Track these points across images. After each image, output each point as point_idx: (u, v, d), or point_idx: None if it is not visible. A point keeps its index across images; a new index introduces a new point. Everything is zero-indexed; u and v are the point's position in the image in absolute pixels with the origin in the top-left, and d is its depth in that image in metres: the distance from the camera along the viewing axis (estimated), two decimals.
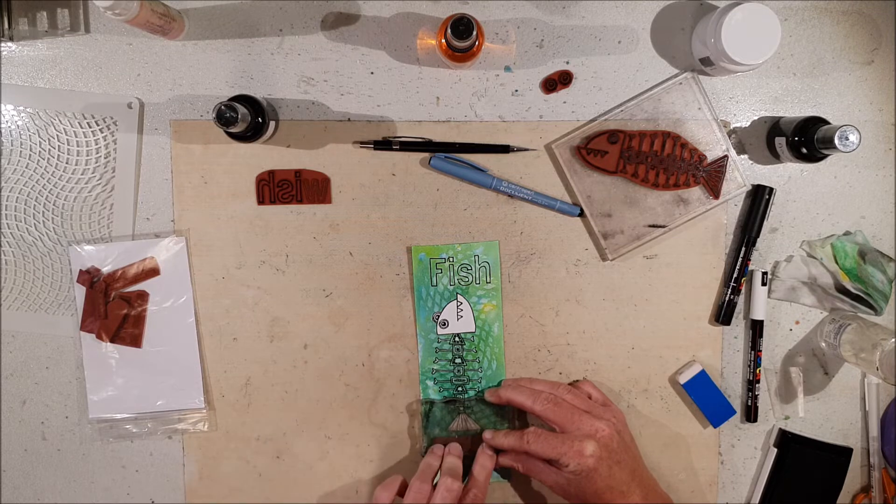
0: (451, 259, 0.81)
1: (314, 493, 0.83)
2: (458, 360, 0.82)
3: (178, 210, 0.80)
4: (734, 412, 0.82)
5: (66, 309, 0.81)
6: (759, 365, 0.81)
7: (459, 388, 0.82)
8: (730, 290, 0.81)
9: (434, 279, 0.81)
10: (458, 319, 0.81)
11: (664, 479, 0.83)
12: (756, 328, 0.81)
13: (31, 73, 0.79)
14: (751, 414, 0.82)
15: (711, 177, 0.79)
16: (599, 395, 0.79)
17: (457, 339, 0.82)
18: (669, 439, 0.83)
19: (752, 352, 0.81)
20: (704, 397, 0.81)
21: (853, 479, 0.84)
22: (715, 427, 0.82)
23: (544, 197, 0.80)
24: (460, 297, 0.81)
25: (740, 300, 0.82)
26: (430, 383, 0.82)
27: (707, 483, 0.84)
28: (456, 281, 0.81)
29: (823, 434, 0.84)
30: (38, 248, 0.81)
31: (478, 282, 0.81)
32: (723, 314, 0.81)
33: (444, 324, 0.81)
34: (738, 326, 0.83)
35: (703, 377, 0.81)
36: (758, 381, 0.81)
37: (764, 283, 0.81)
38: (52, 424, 0.82)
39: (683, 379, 0.81)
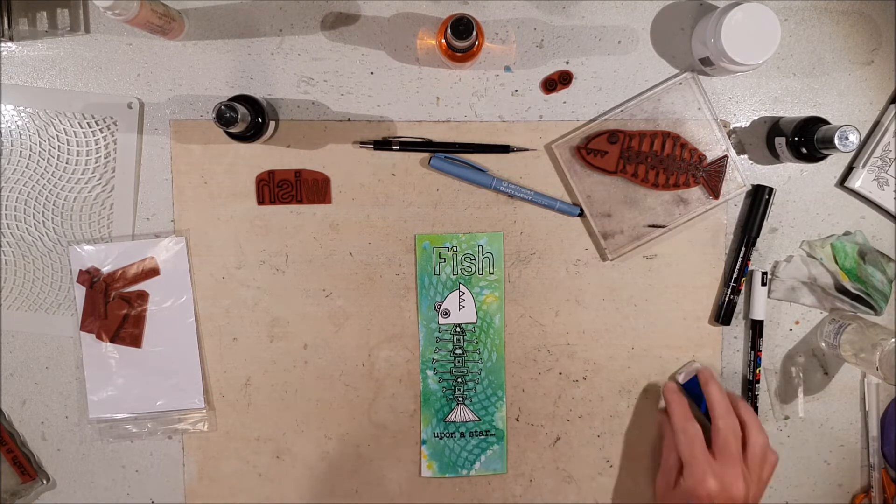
0: (454, 248, 0.80)
1: (314, 493, 0.83)
2: (458, 351, 0.82)
3: (178, 210, 0.80)
4: None
5: (66, 309, 0.81)
6: (759, 365, 0.81)
7: (459, 379, 0.82)
8: (729, 290, 0.81)
9: (437, 268, 0.81)
10: (460, 309, 0.81)
11: None
12: (756, 328, 0.81)
13: (31, 73, 0.79)
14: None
15: (711, 177, 0.79)
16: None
17: (458, 329, 0.81)
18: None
19: (752, 352, 0.81)
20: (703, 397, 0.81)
21: (853, 479, 0.84)
22: None
23: (544, 197, 0.80)
24: (462, 287, 0.81)
25: (740, 300, 0.82)
26: (429, 373, 0.82)
27: None
28: (459, 271, 0.81)
29: (823, 434, 0.84)
30: (38, 248, 0.81)
31: (480, 272, 0.81)
32: (722, 314, 0.81)
33: (446, 313, 0.81)
34: (738, 326, 0.83)
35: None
36: (758, 381, 0.81)
37: (764, 283, 0.81)
38: (52, 424, 0.82)
39: (683, 379, 0.81)
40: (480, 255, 0.81)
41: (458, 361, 0.82)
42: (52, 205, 0.80)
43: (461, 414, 0.82)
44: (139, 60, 0.79)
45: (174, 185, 0.80)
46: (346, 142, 0.80)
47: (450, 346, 0.82)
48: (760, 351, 0.81)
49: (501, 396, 0.82)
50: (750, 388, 0.81)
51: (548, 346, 0.82)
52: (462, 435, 0.82)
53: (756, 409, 0.82)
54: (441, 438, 0.82)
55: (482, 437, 0.82)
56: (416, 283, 0.81)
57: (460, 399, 0.82)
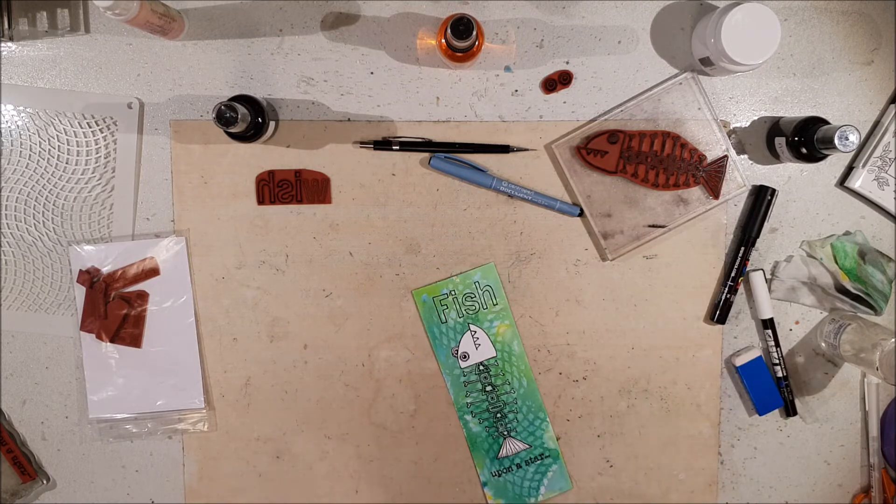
0: (453, 293, 0.81)
1: (314, 493, 0.83)
2: (488, 388, 0.82)
3: (178, 210, 0.80)
4: (781, 403, 0.82)
5: (66, 309, 0.81)
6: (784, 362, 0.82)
7: (498, 415, 0.82)
8: (726, 290, 0.80)
9: (443, 316, 0.81)
10: (477, 349, 0.81)
11: (664, 479, 0.83)
12: (771, 327, 0.81)
13: (31, 73, 0.79)
14: (789, 409, 0.82)
15: (711, 177, 0.79)
16: None
17: (481, 367, 0.81)
18: (669, 439, 0.83)
19: (777, 349, 0.81)
20: (756, 383, 0.81)
21: (853, 479, 0.84)
22: (760, 415, 0.82)
23: (544, 197, 0.80)
24: (473, 327, 0.81)
25: (740, 300, 0.82)
26: (468, 417, 0.82)
27: (707, 483, 0.84)
28: (464, 312, 0.81)
29: (823, 434, 0.84)
30: (38, 248, 0.81)
31: (485, 307, 0.81)
32: (718, 313, 0.81)
33: (465, 356, 0.81)
34: (738, 326, 0.83)
35: (758, 363, 0.81)
36: (786, 379, 0.81)
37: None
38: (52, 424, 0.82)
39: (739, 362, 0.81)
40: (479, 291, 0.81)
41: (492, 398, 0.82)
42: (52, 205, 0.80)
43: (511, 447, 0.82)
44: (139, 60, 0.79)
45: (174, 185, 0.80)
46: (346, 142, 0.80)
47: (479, 387, 0.82)
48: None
49: (544, 417, 0.82)
50: (780, 384, 0.81)
51: (548, 346, 0.82)
52: (518, 466, 0.82)
53: (793, 402, 0.82)
54: (499, 476, 0.82)
55: (538, 461, 0.82)
56: (426, 336, 0.81)
57: (505, 433, 0.82)
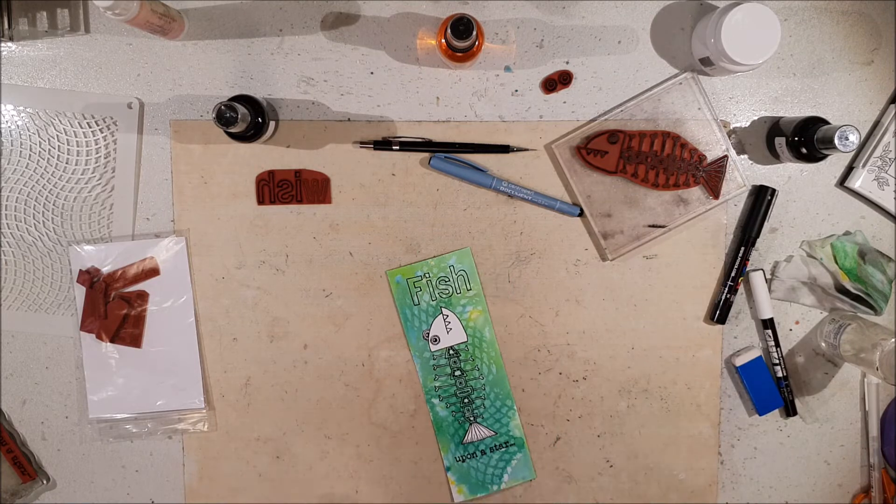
0: (427, 275, 0.81)
1: (314, 493, 0.83)
2: (457, 373, 0.82)
3: (178, 210, 0.80)
4: (781, 403, 0.82)
5: (66, 309, 0.81)
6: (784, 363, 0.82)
7: (465, 400, 0.82)
8: (726, 290, 0.80)
9: (415, 298, 0.81)
10: (448, 332, 0.81)
11: (664, 479, 0.83)
12: (771, 327, 0.81)
13: (31, 73, 0.79)
14: (789, 409, 0.82)
15: (711, 177, 0.79)
16: None
17: (451, 351, 0.81)
18: (669, 439, 0.83)
19: (777, 349, 0.81)
20: (756, 383, 0.81)
21: (853, 479, 0.84)
22: (760, 415, 0.82)
23: (544, 197, 0.80)
24: (445, 311, 0.81)
25: (740, 300, 0.82)
26: (435, 401, 0.82)
27: (707, 483, 0.84)
28: (437, 295, 0.81)
29: (823, 434, 0.84)
30: (38, 248, 0.81)
31: (458, 291, 0.81)
32: (718, 313, 0.81)
33: (436, 340, 0.81)
34: (738, 326, 0.83)
35: (758, 363, 0.81)
36: (786, 380, 0.81)
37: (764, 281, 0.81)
38: (52, 424, 0.82)
39: (740, 362, 0.81)
40: (454, 275, 0.81)
41: (460, 383, 0.82)
42: (52, 205, 0.80)
43: (476, 433, 0.82)
44: (139, 60, 0.79)
45: (174, 185, 0.80)
46: (346, 142, 0.80)
47: (448, 371, 0.82)
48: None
49: (511, 405, 0.82)
50: (780, 384, 0.81)
51: (548, 346, 0.82)
52: (483, 453, 0.82)
53: (793, 402, 0.82)
54: (464, 461, 0.82)
55: (503, 449, 0.82)
56: (398, 318, 0.81)
57: (472, 419, 0.82)
